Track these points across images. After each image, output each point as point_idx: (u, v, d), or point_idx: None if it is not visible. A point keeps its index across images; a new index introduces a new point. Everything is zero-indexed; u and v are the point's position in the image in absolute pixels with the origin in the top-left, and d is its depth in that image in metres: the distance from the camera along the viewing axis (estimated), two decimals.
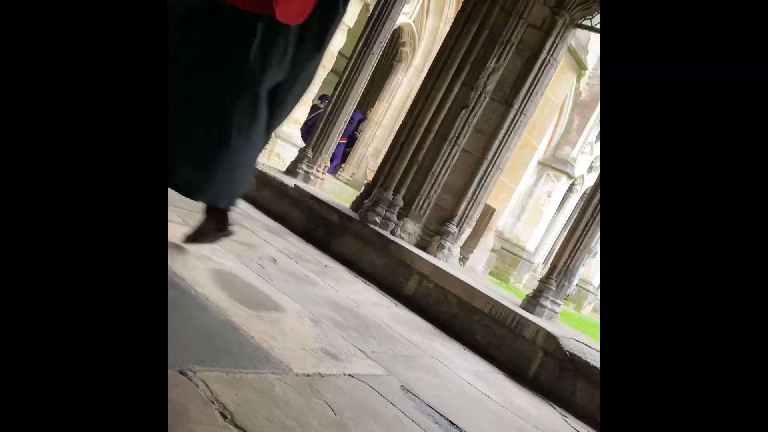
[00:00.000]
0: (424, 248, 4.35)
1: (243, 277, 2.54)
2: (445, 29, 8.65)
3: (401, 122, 4.74)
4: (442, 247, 4.37)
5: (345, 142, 10.56)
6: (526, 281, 10.76)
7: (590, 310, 13.22)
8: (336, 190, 7.80)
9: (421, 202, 4.46)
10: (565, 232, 4.36)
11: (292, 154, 6.41)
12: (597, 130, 11.40)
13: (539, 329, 3.37)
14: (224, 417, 1.35)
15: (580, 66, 8.54)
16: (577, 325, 5.36)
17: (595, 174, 11.62)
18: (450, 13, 9.95)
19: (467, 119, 4.39)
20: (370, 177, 5.91)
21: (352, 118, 9.93)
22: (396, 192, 4.46)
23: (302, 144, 6.85)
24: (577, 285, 12.43)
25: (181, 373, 1.43)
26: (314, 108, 9.44)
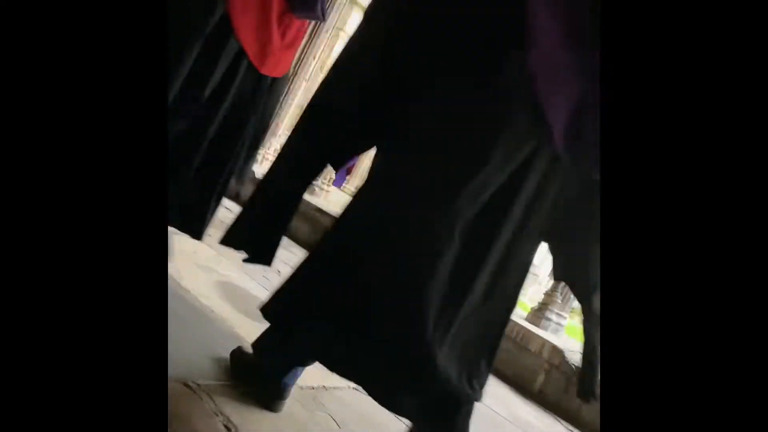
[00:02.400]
0: None
1: (248, 289, 2.54)
2: None
3: None
4: None
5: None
6: (531, 294, 10.71)
7: None
8: (342, 202, 7.80)
9: None
10: None
11: None
12: None
13: (545, 343, 3.35)
14: (228, 429, 1.35)
15: None
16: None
17: None
18: None
19: None
20: None
21: None
22: None
23: None
24: None
25: (185, 385, 1.43)
26: None
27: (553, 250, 1.52)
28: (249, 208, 1.49)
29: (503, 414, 2.65)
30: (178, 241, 2.73)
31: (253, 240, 1.49)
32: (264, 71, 1.75)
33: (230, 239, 1.48)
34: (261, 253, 1.51)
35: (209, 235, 3.26)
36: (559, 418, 3.06)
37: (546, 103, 1.22)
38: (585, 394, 1.51)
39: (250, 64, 1.73)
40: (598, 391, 1.51)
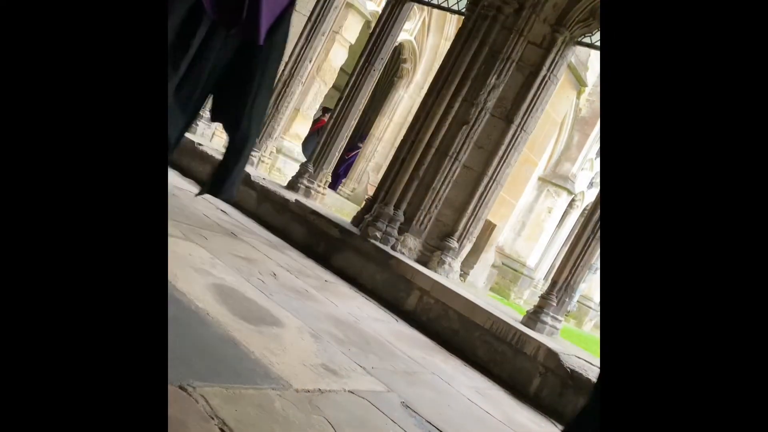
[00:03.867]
0: (424, 263, 4.35)
1: (243, 292, 2.54)
2: (445, 46, 8.71)
3: (402, 138, 4.76)
4: (443, 262, 4.36)
5: (355, 155, 10.77)
6: (527, 297, 10.72)
7: (591, 326, 13.15)
8: (337, 205, 7.79)
9: (421, 218, 4.46)
10: (566, 248, 4.35)
11: (293, 168, 6.44)
12: (597, 146, 11.44)
13: (540, 346, 3.35)
14: None
15: (580, 83, 8.58)
16: (578, 342, 5.34)
17: (596, 190, 11.64)
18: (451, 30, 10.02)
19: (468, 135, 4.41)
20: (371, 192, 5.93)
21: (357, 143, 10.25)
22: (397, 207, 4.47)
23: (303, 159, 6.89)
24: (578, 301, 12.38)
25: (181, 388, 1.43)
26: (315, 121, 9.49)
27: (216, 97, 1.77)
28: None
29: (498, 417, 2.65)
30: (173, 243, 2.73)
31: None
32: None
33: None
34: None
35: (205, 238, 3.25)
36: (554, 421, 3.06)
37: None
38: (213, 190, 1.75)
39: None
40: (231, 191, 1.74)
